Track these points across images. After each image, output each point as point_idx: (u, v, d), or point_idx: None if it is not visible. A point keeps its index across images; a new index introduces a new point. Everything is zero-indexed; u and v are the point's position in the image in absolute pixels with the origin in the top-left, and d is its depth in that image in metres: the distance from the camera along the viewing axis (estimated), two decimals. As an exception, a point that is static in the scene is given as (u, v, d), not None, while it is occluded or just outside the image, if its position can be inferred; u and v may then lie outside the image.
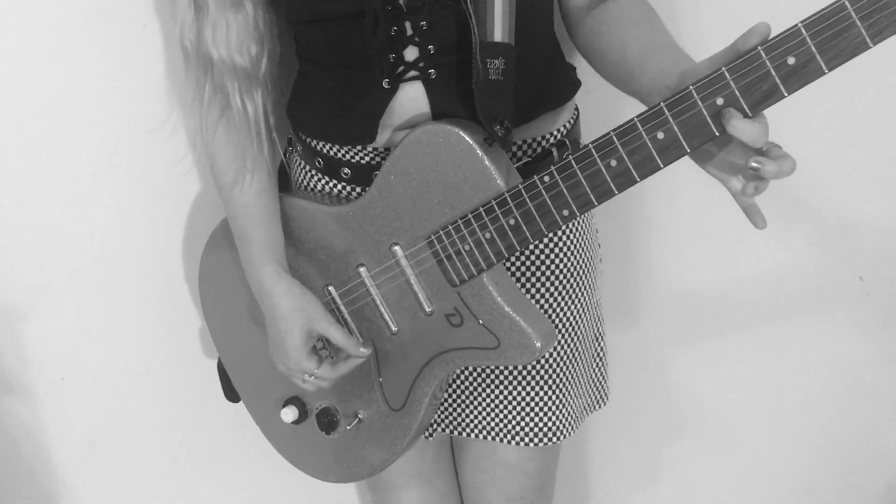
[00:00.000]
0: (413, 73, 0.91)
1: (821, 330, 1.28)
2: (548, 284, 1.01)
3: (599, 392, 1.15)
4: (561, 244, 1.02)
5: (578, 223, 1.03)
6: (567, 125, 1.01)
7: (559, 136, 1.00)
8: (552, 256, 1.01)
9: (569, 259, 1.02)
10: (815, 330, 1.28)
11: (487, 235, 0.88)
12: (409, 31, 0.89)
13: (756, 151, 0.74)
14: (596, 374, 1.14)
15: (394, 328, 0.99)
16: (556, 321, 1.03)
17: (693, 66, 0.78)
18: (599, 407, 1.15)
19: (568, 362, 1.05)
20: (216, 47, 0.91)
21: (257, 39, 0.93)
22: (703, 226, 1.27)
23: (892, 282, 1.24)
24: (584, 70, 1.05)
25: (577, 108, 1.05)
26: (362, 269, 0.98)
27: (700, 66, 0.76)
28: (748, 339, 1.31)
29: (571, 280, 1.03)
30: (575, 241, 1.03)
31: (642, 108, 1.15)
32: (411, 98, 0.92)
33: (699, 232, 1.28)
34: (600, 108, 1.13)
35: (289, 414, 1.09)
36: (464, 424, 1.08)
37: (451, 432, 1.09)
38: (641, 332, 1.36)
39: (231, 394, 1.19)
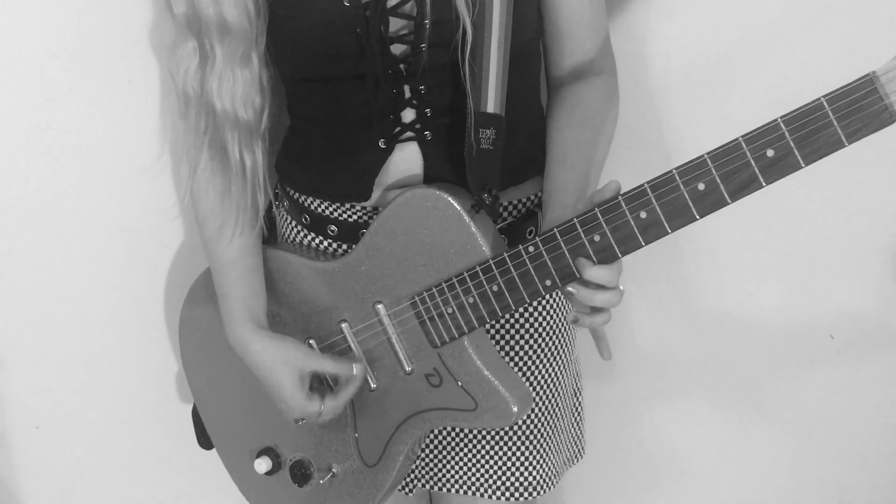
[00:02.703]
0: (409, 133, 0.93)
1: (794, 387, 1.30)
2: (531, 342, 1.03)
3: (577, 446, 1.17)
4: (543, 302, 1.04)
5: None
6: (551, 187, 1.04)
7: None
8: (535, 315, 1.03)
9: (550, 317, 1.04)
10: (789, 387, 1.31)
11: (471, 300, 0.89)
12: (408, 94, 0.91)
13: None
14: (574, 429, 1.15)
15: (372, 385, 1.00)
16: (539, 378, 1.04)
17: (565, 203, 0.88)
18: (577, 461, 1.17)
19: (549, 418, 1.07)
20: (221, 99, 0.91)
21: (260, 93, 0.94)
22: (678, 284, 1.30)
23: (862, 340, 1.26)
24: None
25: (559, 171, 1.08)
26: (344, 325, 0.99)
27: (566, 209, 0.86)
28: (723, 395, 1.34)
29: (553, 337, 1.05)
30: (554, 301, 1.05)
31: (619, 169, 1.20)
32: (405, 159, 0.94)
33: (675, 289, 1.30)
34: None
35: (262, 465, 1.09)
36: (444, 480, 1.08)
37: (432, 488, 1.10)
38: (618, 387, 1.38)
39: (204, 441, 1.19)
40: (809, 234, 1.21)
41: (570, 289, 0.82)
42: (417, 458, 1.09)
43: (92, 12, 1.09)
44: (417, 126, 0.92)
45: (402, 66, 0.89)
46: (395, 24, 0.88)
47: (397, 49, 0.89)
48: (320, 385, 1.02)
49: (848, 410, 1.28)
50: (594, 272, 0.80)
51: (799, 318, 1.27)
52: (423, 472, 1.10)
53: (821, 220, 1.20)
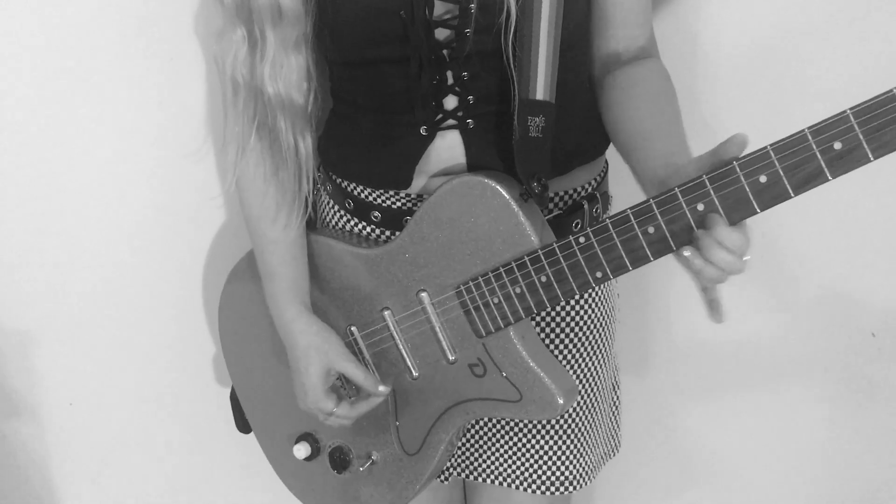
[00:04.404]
0: (451, 121, 0.91)
1: (833, 384, 1.29)
2: (572, 336, 1.02)
3: (613, 441, 1.16)
4: (586, 296, 1.02)
5: None
6: (598, 178, 1.02)
7: (590, 189, 1.01)
8: (577, 308, 1.02)
9: (592, 311, 1.03)
10: (828, 384, 1.29)
11: (518, 290, 0.88)
12: (450, 81, 0.89)
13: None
14: (611, 424, 1.14)
15: (415, 373, 0.99)
16: (579, 373, 1.03)
17: (683, 164, 0.79)
18: (613, 456, 1.16)
19: (588, 413, 1.06)
20: (274, 84, 0.91)
21: (308, 79, 0.94)
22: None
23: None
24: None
25: (606, 161, 1.06)
26: (387, 313, 0.98)
27: (689, 165, 0.78)
28: (760, 392, 1.32)
29: (594, 332, 1.04)
30: (597, 293, 1.04)
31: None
32: (448, 146, 0.93)
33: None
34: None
35: (301, 450, 1.09)
36: (480, 469, 1.08)
37: (467, 476, 1.09)
38: (654, 382, 1.36)
39: (242, 425, 1.19)
40: (852, 231, 1.19)
41: (695, 233, 0.75)
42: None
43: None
44: (460, 114, 0.91)
45: (445, 51, 0.87)
46: (440, 8, 0.86)
47: (441, 34, 0.87)
48: (340, 389, 1.03)
49: (888, 410, 1.26)
50: (723, 233, 0.73)
51: (840, 315, 1.24)
52: (459, 460, 1.10)
53: (863, 216, 1.18)
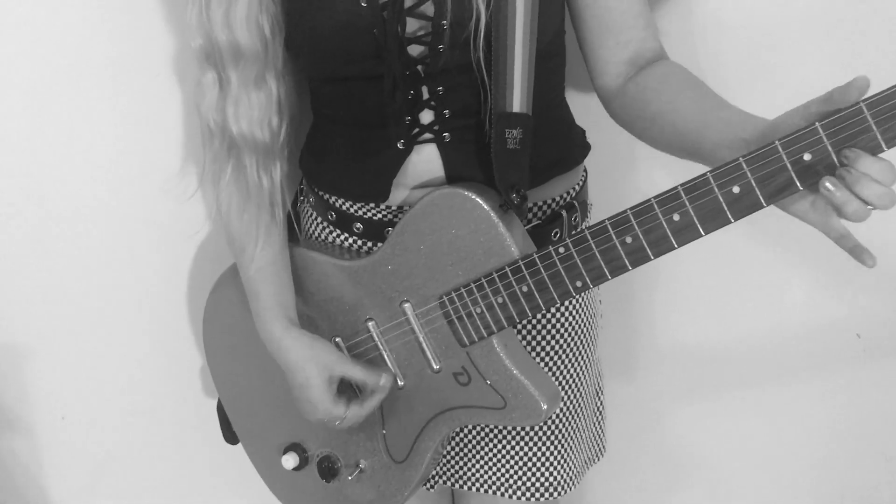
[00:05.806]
0: (428, 135, 0.92)
1: (818, 386, 1.30)
2: (553, 343, 1.03)
3: (598, 446, 1.17)
4: (567, 303, 1.03)
5: None
6: (576, 187, 1.04)
7: (568, 199, 1.02)
8: (558, 316, 1.03)
9: (573, 317, 1.04)
10: (813, 386, 1.30)
11: (500, 300, 0.89)
12: (426, 96, 0.90)
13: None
14: (595, 429, 1.15)
15: (400, 383, 1.00)
16: (560, 379, 1.05)
17: (774, 120, 0.75)
18: (597, 460, 1.17)
19: (571, 418, 1.07)
20: (237, 123, 0.91)
21: (277, 112, 0.94)
22: (703, 282, 1.29)
23: (889, 339, 1.26)
24: (591, 133, 1.07)
25: (585, 170, 1.08)
26: (371, 324, 0.99)
27: (794, 113, 0.73)
28: (746, 394, 1.33)
29: (575, 338, 1.05)
30: (578, 300, 1.05)
31: (645, 170, 1.18)
32: (426, 159, 0.94)
33: (700, 288, 1.30)
34: (607, 168, 1.15)
35: (289, 461, 1.09)
36: (466, 477, 1.09)
37: (454, 485, 1.10)
38: (640, 385, 1.37)
39: (230, 436, 1.19)
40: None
41: (840, 171, 0.69)
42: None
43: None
44: (436, 128, 0.92)
45: (419, 67, 0.88)
46: (413, 25, 0.87)
47: (415, 50, 0.88)
48: (345, 391, 1.03)
49: (872, 410, 1.28)
50: (868, 163, 0.68)
51: (826, 316, 1.25)
52: (445, 468, 1.11)
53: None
